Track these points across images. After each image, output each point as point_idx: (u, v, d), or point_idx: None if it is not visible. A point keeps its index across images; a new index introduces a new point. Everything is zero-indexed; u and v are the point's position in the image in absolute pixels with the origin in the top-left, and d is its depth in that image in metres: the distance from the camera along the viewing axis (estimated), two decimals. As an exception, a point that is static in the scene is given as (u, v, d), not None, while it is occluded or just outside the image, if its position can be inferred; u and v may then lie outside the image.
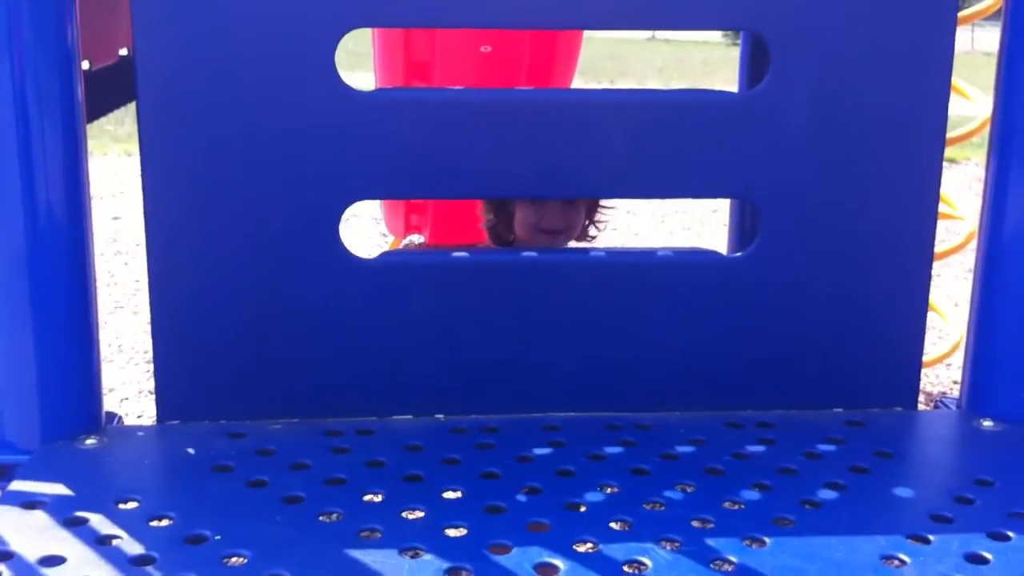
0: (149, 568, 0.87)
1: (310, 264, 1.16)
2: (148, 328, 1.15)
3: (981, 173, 1.27)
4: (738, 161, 1.19)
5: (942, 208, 2.34)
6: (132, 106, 1.16)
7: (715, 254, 1.24)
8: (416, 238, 1.96)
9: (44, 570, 0.87)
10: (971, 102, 2.03)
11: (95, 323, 1.15)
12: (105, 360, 2.62)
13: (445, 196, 1.32)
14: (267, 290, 1.16)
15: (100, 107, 1.47)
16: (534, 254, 1.22)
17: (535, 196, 1.44)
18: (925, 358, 1.91)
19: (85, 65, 1.16)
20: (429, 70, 1.74)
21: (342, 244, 1.16)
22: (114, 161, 5.16)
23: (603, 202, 1.63)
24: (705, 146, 1.18)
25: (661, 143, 1.18)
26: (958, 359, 1.61)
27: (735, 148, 1.18)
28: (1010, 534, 0.95)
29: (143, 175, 1.13)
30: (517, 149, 1.17)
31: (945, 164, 1.21)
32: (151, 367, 2.34)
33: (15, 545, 0.90)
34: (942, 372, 2.77)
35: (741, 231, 1.62)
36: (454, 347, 1.20)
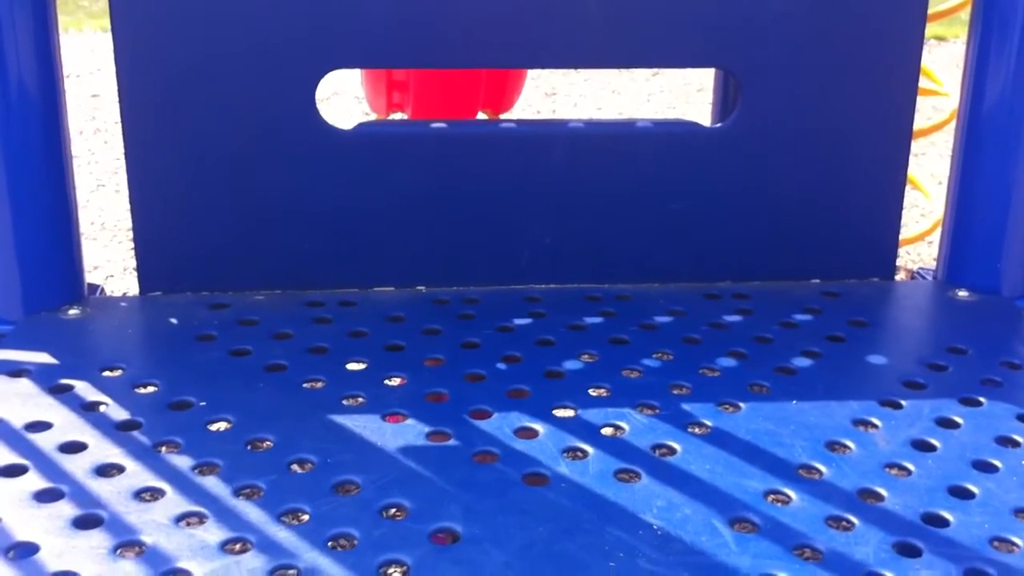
0: (135, 432, 0.89)
1: (287, 134, 1.15)
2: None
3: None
4: (719, 30, 1.17)
5: (928, 85, 2.32)
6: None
7: (695, 124, 1.23)
8: (399, 117, 1.94)
9: (31, 435, 0.88)
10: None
11: (72, 195, 1.14)
12: (89, 238, 2.61)
13: (422, 66, 1.30)
14: (246, 161, 1.15)
15: None
16: (513, 125, 1.21)
17: (514, 67, 1.42)
18: (906, 236, 1.92)
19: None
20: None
21: (319, 114, 1.15)
22: (90, 38, 5.05)
23: None
24: (686, 13, 1.16)
25: (642, 10, 1.16)
26: (938, 237, 1.62)
27: (716, 16, 1.17)
28: (981, 399, 0.98)
29: (115, 45, 1.11)
30: (497, 17, 1.15)
31: (933, 42, 1.21)
32: (134, 244, 2.32)
33: (1, 412, 0.91)
34: (923, 250, 2.78)
35: (724, 107, 1.60)
36: (435, 219, 1.20)
